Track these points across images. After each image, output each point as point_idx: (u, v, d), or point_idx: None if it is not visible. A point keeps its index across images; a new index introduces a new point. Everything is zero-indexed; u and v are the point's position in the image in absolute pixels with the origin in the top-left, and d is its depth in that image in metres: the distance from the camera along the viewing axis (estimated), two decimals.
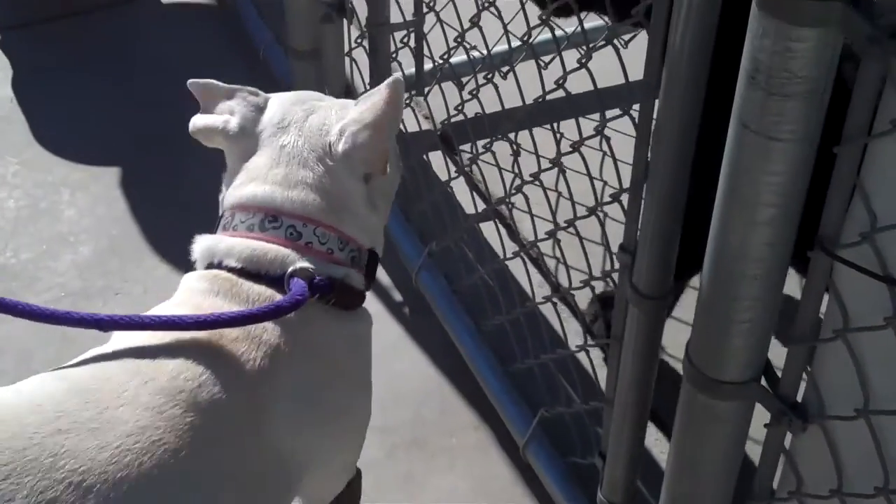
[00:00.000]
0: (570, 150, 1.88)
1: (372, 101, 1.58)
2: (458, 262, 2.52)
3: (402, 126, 2.63)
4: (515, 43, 2.08)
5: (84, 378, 1.36)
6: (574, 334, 2.38)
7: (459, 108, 2.38)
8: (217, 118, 1.64)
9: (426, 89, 2.93)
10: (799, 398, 1.44)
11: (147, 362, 1.38)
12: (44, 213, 2.88)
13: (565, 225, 1.94)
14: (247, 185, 1.56)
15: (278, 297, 1.48)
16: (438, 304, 2.49)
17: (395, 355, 2.50)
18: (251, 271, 1.50)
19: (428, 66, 2.89)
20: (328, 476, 1.66)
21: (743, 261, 1.34)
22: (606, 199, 1.78)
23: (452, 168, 2.67)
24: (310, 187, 1.55)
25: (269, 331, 1.45)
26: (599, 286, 2.23)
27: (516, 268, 2.45)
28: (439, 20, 2.47)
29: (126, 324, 1.39)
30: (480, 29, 2.28)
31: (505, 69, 2.26)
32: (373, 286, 1.68)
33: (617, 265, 1.72)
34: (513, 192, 2.20)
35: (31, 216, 2.87)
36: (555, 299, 2.18)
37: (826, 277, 1.33)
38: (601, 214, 1.85)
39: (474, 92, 2.32)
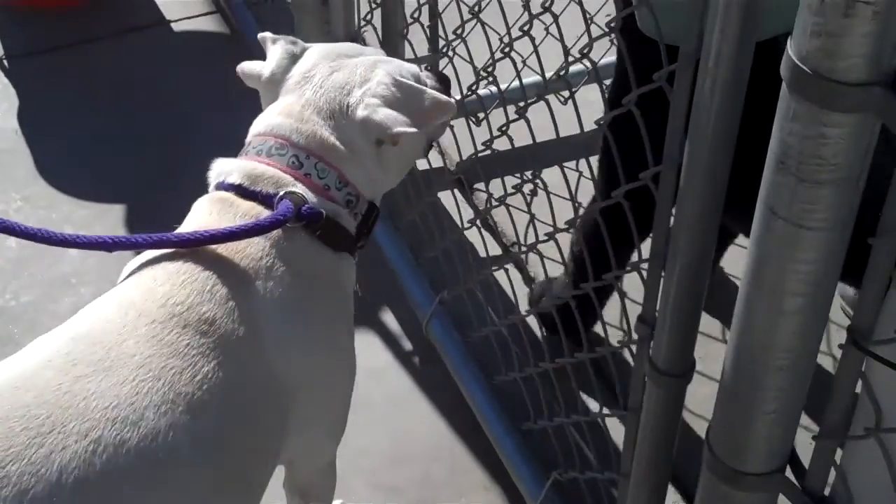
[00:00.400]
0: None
1: (419, 103, 1.63)
2: (469, 310, 2.44)
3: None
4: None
5: (83, 325, 1.43)
6: (591, 396, 2.28)
7: (488, 143, 2.28)
8: (256, 65, 1.74)
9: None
10: (826, 492, 1.35)
11: (138, 295, 1.46)
12: (46, 252, 2.79)
13: (580, 292, 1.85)
14: (266, 117, 1.65)
15: (264, 212, 1.54)
16: (450, 355, 2.40)
17: (404, 409, 2.41)
18: (247, 188, 1.56)
19: None
20: (320, 415, 1.65)
21: (769, 351, 1.26)
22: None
23: (465, 208, 2.58)
24: (322, 126, 1.61)
25: (253, 247, 1.52)
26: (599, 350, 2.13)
27: (532, 319, 2.37)
28: (453, 59, 2.38)
29: (122, 243, 1.50)
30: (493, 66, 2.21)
31: (523, 104, 2.18)
32: (368, 242, 1.71)
33: (636, 335, 1.63)
34: (542, 238, 2.07)
35: (33, 256, 2.80)
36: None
37: (858, 372, 1.24)
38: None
39: (503, 128, 2.22)
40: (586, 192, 2.45)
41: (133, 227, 2.89)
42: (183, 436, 1.37)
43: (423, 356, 2.53)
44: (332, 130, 1.61)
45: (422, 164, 2.64)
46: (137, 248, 1.53)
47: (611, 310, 2.10)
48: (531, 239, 2.10)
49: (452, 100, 1.69)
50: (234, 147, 1.68)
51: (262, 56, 3.25)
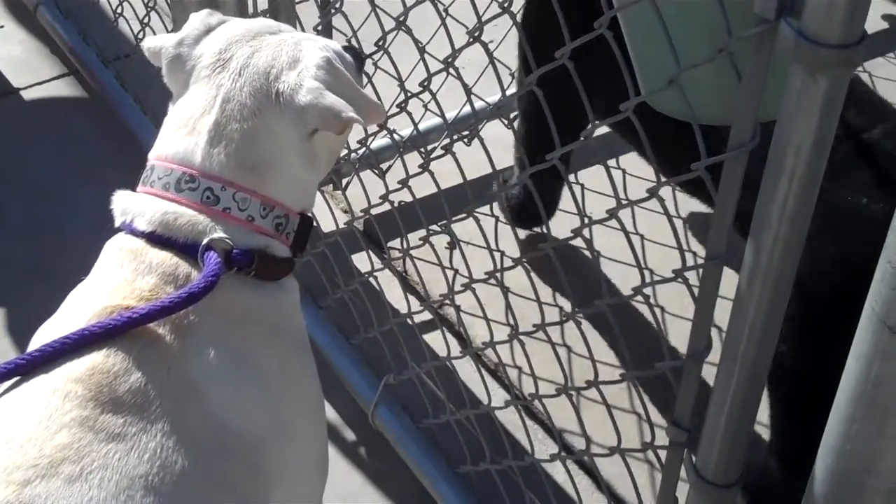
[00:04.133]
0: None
1: (356, 96, 1.48)
2: (416, 388, 2.24)
3: (317, 224, 2.37)
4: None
5: (5, 432, 1.26)
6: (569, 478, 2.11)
7: (385, 197, 2.11)
8: (159, 39, 1.54)
9: (344, 181, 2.65)
10: None
11: (57, 374, 1.29)
12: None
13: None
14: (170, 134, 1.46)
15: (183, 265, 1.39)
16: (404, 447, 2.20)
17: None
18: (161, 236, 1.40)
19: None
20: (299, 457, 1.51)
21: (874, 476, 1.13)
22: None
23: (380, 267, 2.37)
24: (237, 143, 1.43)
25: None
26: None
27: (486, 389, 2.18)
28: None
29: (44, 355, 1.30)
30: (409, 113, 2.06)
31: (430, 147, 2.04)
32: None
33: (663, 439, 1.48)
34: (458, 290, 1.95)
35: None
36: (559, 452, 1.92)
37: None
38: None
39: (404, 181, 2.06)
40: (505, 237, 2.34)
41: (15, 332, 2.58)
42: None
43: (370, 447, 2.32)
44: (252, 138, 1.43)
45: (328, 225, 2.46)
46: (61, 356, 1.31)
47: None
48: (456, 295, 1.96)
49: (383, 106, 1.57)
50: (111, 229, 1.47)
51: (130, 115, 3.05)
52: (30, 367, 1.31)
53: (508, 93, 2.07)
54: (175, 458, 1.29)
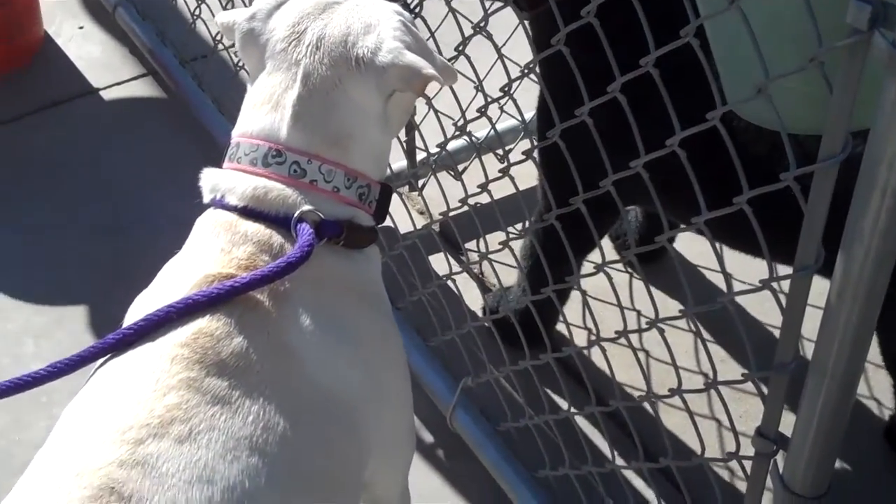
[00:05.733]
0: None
1: (429, 56, 1.52)
2: (494, 391, 2.24)
3: (395, 225, 2.38)
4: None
5: (112, 391, 1.32)
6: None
7: (464, 200, 2.11)
8: (231, 14, 1.56)
9: (421, 182, 2.65)
10: None
11: (163, 341, 1.34)
12: (6, 370, 2.53)
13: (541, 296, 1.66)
14: (255, 111, 1.49)
15: (276, 236, 1.43)
16: (483, 450, 2.20)
17: None
18: (253, 210, 1.45)
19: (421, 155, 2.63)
20: (391, 422, 1.57)
21: None
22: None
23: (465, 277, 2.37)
24: (321, 116, 1.47)
25: None
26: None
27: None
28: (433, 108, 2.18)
29: (150, 324, 1.35)
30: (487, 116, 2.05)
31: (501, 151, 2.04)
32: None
33: (748, 449, 1.46)
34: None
35: None
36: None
37: None
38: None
39: (484, 185, 2.06)
40: None
41: (98, 329, 2.63)
42: (258, 479, 1.30)
43: (447, 450, 2.33)
44: (334, 109, 1.47)
45: (405, 227, 2.47)
46: (167, 323, 1.36)
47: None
48: None
49: (454, 68, 1.60)
50: (188, 228, 1.50)
51: (207, 115, 3.08)
52: (137, 335, 1.36)
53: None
54: (277, 419, 1.33)
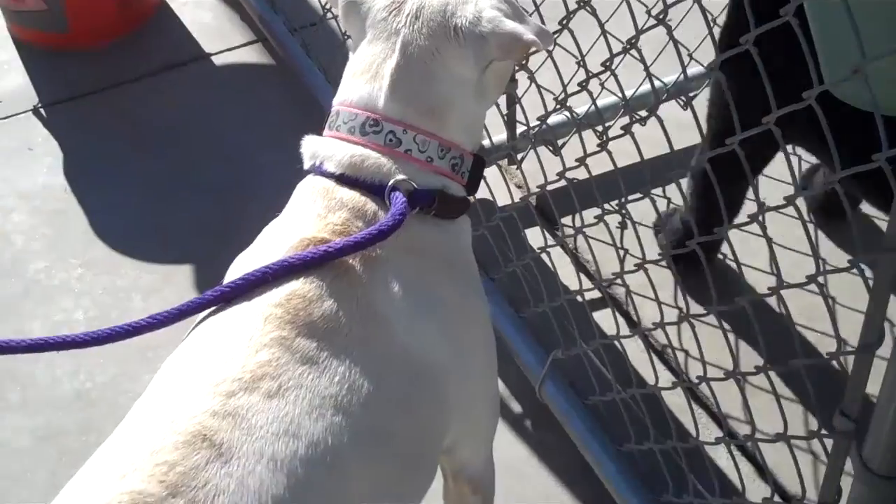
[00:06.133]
0: None
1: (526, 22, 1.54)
2: (582, 364, 2.26)
3: (493, 198, 2.41)
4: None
5: (210, 346, 1.38)
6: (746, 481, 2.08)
7: (561, 174, 2.13)
8: None
9: (520, 156, 2.68)
10: None
11: (258, 300, 1.40)
12: (114, 323, 2.61)
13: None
14: (354, 80, 1.54)
15: (370, 203, 1.47)
16: (570, 422, 2.23)
17: (520, 480, 2.25)
18: (349, 177, 1.49)
19: (520, 129, 2.65)
20: (475, 390, 1.61)
21: None
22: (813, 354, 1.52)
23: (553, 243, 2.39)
24: (418, 85, 1.50)
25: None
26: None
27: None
28: (534, 82, 2.21)
29: (247, 283, 1.40)
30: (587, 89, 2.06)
31: (601, 128, 2.05)
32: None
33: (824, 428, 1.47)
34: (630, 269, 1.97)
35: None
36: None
37: None
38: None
39: (581, 159, 2.07)
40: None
41: (203, 287, 2.70)
42: (341, 436, 1.34)
43: (536, 421, 2.36)
44: (432, 79, 1.50)
45: (503, 199, 2.49)
46: (263, 284, 1.42)
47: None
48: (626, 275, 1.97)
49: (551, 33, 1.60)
50: (292, 192, 1.55)
51: (315, 83, 3.13)
52: (234, 293, 1.41)
53: (689, 73, 2.06)
54: (362, 381, 1.37)
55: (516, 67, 1.91)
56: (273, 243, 1.48)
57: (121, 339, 1.48)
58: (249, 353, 1.34)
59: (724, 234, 1.78)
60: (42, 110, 3.29)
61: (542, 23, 2.10)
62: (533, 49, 1.56)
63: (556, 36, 2.04)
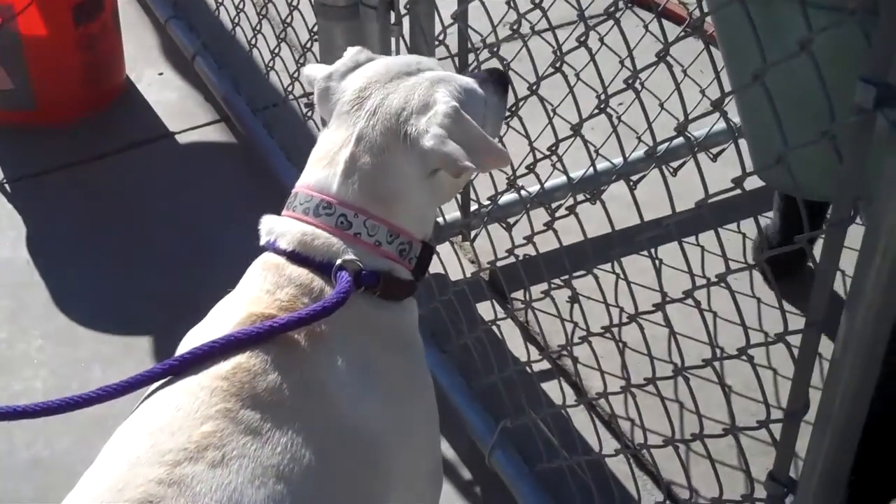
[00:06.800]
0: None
1: (480, 144, 1.59)
2: (531, 433, 2.35)
3: (446, 272, 2.50)
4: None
5: (153, 418, 1.43)
6: None
7: (511, 251, 2.25)
8: (314, 69, 1.72)
9: (473, 233, 2.78)
10: None
11: (205, 374, 1.45)
12: (74, 393, 2.67)
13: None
14: (314, 165, 1.63)
15: (318, 281, 1.54)
16: (519, 489, 2.31)
17: None
18: (299, 254, 1.56)
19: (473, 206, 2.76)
20: (415, 462, 1.65)
21: None
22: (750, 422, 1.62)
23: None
24: (368, 175, 1.58)
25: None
26: None
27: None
28: None
29: (194, 357, 1.46)
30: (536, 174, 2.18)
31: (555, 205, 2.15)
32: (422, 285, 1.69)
33: (761, 493, 1.56)
34: (576, 342, 2.06)
35: None
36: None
37: None
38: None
39: (529, 237, 2.18)
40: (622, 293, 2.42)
41: (161, 358, 2.76)
42: None
43: (485, 487, 2.43)
44: (382, 171, 1.58)
45: (456, 274, 2.58)
46: (210, 358, 1.47)
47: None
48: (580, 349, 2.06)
49: (508, 153, 1.66)
50: (251, 263, 1.61)
51: (275, 161, 3.23)
52: (182, 367, 1.47)
53: (631, 157, 2.18)
54: (303, 451, 1.42)
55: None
56: (223, 318, 1.55)
57: (72, 409, 1.54)
58: (195, 425, 1.39)
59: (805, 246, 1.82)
60: (6, 185, 3.37)
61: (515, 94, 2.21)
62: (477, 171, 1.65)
63: (508, 119, 2.18)
